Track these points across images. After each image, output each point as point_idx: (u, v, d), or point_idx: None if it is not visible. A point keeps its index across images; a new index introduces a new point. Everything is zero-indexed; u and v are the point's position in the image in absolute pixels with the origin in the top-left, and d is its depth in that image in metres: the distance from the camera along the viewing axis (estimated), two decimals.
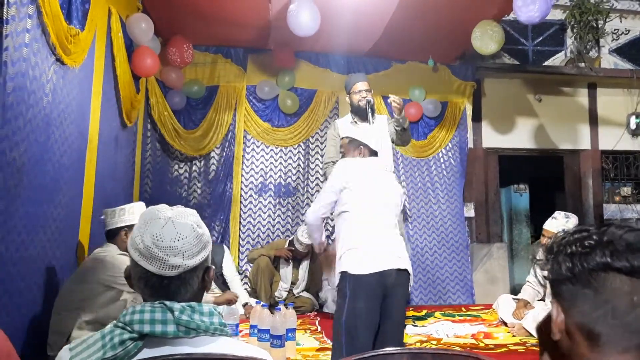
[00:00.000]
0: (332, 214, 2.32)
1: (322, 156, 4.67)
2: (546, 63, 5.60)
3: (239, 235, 4.59)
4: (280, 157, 4.79)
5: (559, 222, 3.33)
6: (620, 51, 5.69)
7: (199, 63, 4.61)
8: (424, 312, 4.13)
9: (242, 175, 4.67)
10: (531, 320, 3.30)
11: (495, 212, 5.34)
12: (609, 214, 5.46)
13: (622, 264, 0.63)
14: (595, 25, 5.30)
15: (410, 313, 3.92)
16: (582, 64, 5.28)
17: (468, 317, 3.97)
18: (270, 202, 4.69)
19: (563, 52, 5.65)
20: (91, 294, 2.24)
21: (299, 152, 4.81)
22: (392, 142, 3.40)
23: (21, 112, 2.03)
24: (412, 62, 4.97)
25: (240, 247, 4.58)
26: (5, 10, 1.89)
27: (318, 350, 2.95)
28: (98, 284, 2.24)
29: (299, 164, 4.80)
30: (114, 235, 2.38)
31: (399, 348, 1.25)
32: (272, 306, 3.42)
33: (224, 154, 4.67)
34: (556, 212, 3.46)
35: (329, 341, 3.11)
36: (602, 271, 0.64)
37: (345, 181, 2.17)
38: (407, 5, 3.75)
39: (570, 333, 0.67)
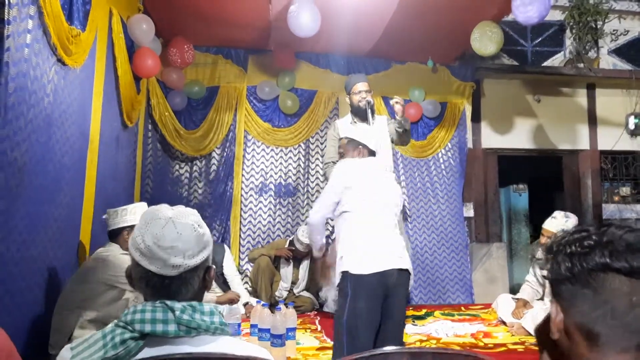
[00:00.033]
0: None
1: (322, 156, 4.68)
2: (545, 64, 5.61)
3: (240, 235, 4.60)
4: (281, 157, 4.80)
5: (559, 222, 3.34)
6: (619, 52, 5.70)
7: (199, 64, 4.62)
8: (423, 311, 4.14)
9: (243, 175, 4.68)
10: (530, 320, 3.31)
11: (494, 212, 5.35)
12: (608, 214, 5.47)
13: (621, 264, 0.63)
14: (594, 26, 5.31)
15: (409, 312, 3.93)
16: (581, 65, 5.29)
17: (467, 317, 3.97)
18: (270, 202, 4.70)
19: (562, 52, 5.66)
20: (94, 293, 2.25)
21: (299, 152, 4.82)
22: (392, 141, 3.41)
23: (22, 112, 2.03)
24: (411, 62, 4.98)
25: (241, 247, 4.59)
26: (6, 10, 1.90)
27: (318, 349, 2.95)
28: (101, 283, 2.25)
29: (299, 164, 4.82)
30: (116, 235, 2.40)
31: (399, 347, 1.26)
32: (273, 305, 3.43)
33: (225, 154, 4.68)
34: (556, 212, 3.46)
35: (329, 340, 3.12)
36: (601, 271, 0.64)
37: (347, 181, 2.17)
38: (407, 6, 3.76)
39: (569, 333, 0.67)
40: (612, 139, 5.49)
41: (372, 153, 2.35)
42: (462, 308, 4.42)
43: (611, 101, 5.53)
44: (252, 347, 0.97)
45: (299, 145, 4.82)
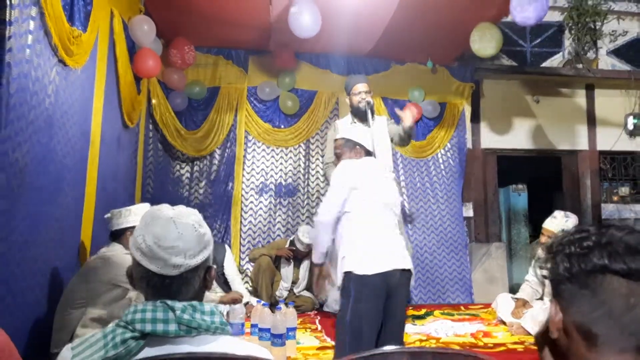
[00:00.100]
0: None
1: (322, 156, 4.69)
2: (544, 64, 5.61)
3: (240, 235, 4.61)
4: (281, 157, 4.81)
5: (559, 222, 3.35)
6: (617, 52, 5.71)
7: (200, 64, 4.63)
8: (423, 311, 4.14)
9: (243, 176, 4.70)
10: (530, 319, 3.32)
11: (494, 212, 5.36)
12: (607, 214, 5.48)
13: (619, 266, 0.63)
14: (593, 26, 5.32)
15: (409, 312, 3.94)
16: (580, 65, 5.29)
17: (467, 316, 3.98)
18: (270, 202, 4.72)
19: (561, 53, 5.67)
20: (97, 292, 2.26)
21: (299, 152, 4.84)
22: (392, 141, 3.42)
23: (24, 113, 2.03)
24: (411, 63, 4.99)
25: (241, 247, 4.60)
26: (8, 12, 1.91)
27: (318, 349, 2.96)
28: (104, 282, 2.26)
29: (299, 165, 4.83)
30: (119, 236, 2.41)
31: (399, 347, 1.27)
32: (273, 305, 3.43)
33: (225, 154, 4.69)
34: (556, 212, 3.47)
35: (329, 340, 3.13)
36: (599, 273, 0.64)
37: (351, 182, 2.17)
38: (407, 6, 3.77)
39: (568, 332, 0.67)
40: (611, 140, 5.50)
41: (368, 153, 2.35)
42: (462, 308, 4.43)
43: (610, 102, 5.54)
44: (252, 346, 0.97)
45: (299, 146, 4.83)
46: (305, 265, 4.26)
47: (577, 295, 0.66)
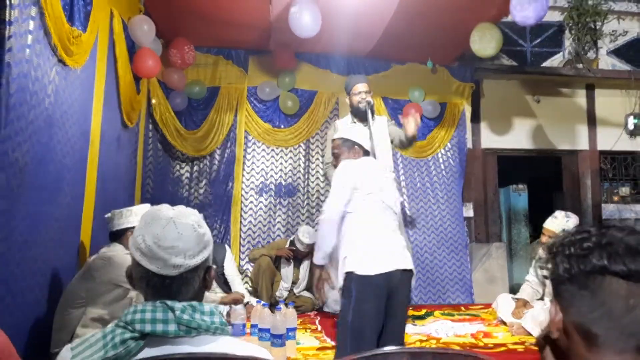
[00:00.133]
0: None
1: (322, 157, 4.69)
2: (544, 64, 5.61)
3: (240, 235, 4.61)
4: (281, 157, 4.81)
5: (560, 221, 3.35)
6: (618, 52, 5.71)
7: (200, 64, 4.63)
8: (423, 311, 4.14)
9: (243, 176, 4.69)
10: (530, 320, 3.32)
11: (494, 212, 5.36)
12: (607, 214, 5.48)
13: (619, 267, 0.63)
14: (593, 26, 5.32)
15: (409, 312, 3.93)
16: (580, 65, 5.29)
17: (467, 317, 3.98)
18: (270, 202, 4.71)
19: (561, 53, 5.67)
20: (98, 292, 2.26)
21: (299, 152, 4.83)
22: (392, 142, 3.41)
23: (23, 113, 2.03)
24: (411, 63, 4.99)
25: (241, 247, 4.60)
26: (8, 12, 1.90)
27: (318, 349, 2.96)
28: (105, 282, 2.27)
29: (299, 165, 4.83)
30: (120, 236, 2.41)
31: (399, 347, 1.27)
32: (273, 305, 3.43)
33: (225, 154, 4.69)
34: (557, 211, 3.47)
35: (329, 340, 3.13)
36: (599, 274, 0.65)
37: (354, 181, 2.16)
38: (407, 7, 3.77)
39: (568, 332, 0.68)
40: (611, 139, 5.50)
41: (366, 153, 2.34)
42: (462, 308, 4.43)
43: (610, 101, 5.54)
44: (252, 347, 0.97)
45: (299, 146, 4.83)
46: (305, 265, 4.25)
47: (576, 296, 0.66)
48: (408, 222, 4.70)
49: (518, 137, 5.39)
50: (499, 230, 5.62)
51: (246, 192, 4.69)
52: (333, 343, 3.01)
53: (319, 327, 3.55)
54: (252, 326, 2.87)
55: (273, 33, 4.32)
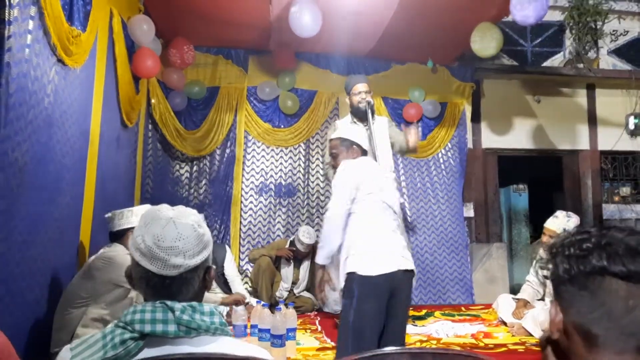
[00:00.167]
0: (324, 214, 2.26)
1: (322, 157, 4.69)
2: (545, 64, 5.61)
3: (240, 235, 4.61)
4: (281, 157, 4.81)
5: (560, 221, 3.34)
6: (618, 52, 5.70)
7: (200, 64, 4.63)
8: (423, 311, 4.14)
9: (243, 176, 4.69)
10: (531, 320, 3.31)
11: (494, 212, 5.35)
12: (608, 214, 5.48)
13: (618, 268, 0.63)
14: (593, 26, 5.32)
15: (410, 313, 3.93)
16: (581, 65, 5.29)
17: (468, 317, 3.98)
18: (270, 202, 4.71)
19: (562, 53, 5.66)
20: (98, 292, 2.26)
21: (299, 152, 4.83)
22: (392, 146, 3.40)
23: (23, 113, 2.03)
24: (411, 63, 4.99)
25: (241, 247, 4.59)
26: (7, 11, 1.90)
27: (318, 349, 2.96)
28: (106, 282, 2.27)
29: (299, 165, 4.82)
30: (120, 236, 2.41)
31: (399, 348, 1.26)
32: (273, 306, 3.43)
33: (225, 154, 4.69)
34: (558, 211, 3.47)
35: (329, 341, 3.13)
36: (598, 275, 0.65)
37: (356, 181, 2.15)
38: (407, 6, 3.76)
39: (568, 333, 0.68)
40: (612, 139, 5.49)
41: (364, 152, 2.33)
42: (463, 308, 4.43)
43: (611, 101, 5.54)
44: (252, 347, 0.97)
45: (299, 146, 4.83)
46: (305, 265, 4.25)
47: (576, 297, 0.66)
48: (410, 228, 4.67)
49: (518, 137, 5.39)
50: (500, 231, 5.61)
51: (246, 192, 4.69)
52: (333, 343, 3.00)
53: (319, 328, 3.55)
54: (252, 326, 2.87)
55: (273, 33, 4.31)
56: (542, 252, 3.58)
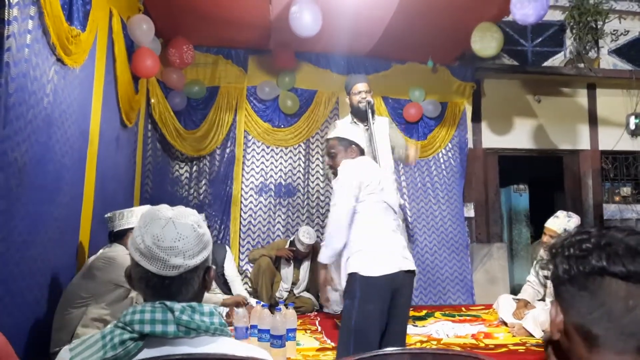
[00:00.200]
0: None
1: (322, 156, 4.68)
2: (545, 64, 5.60)
3: (239, 236, 4.60)
4: (281, 157, 4.80)
5: (561, 221, 3.34)
6: (619, 52, 5.70)
7: (200, 64, 4.62)
8: (424, 312, 4.13)
9: (243, 176, 4.68)
10: (531, 321, 3.31)
11: (495, 212, 5.35)
12: (608, 214, 5.47)
13: (618, 268, 0.63)
14: (594, 26, 5.31)
15: (410, 313, 3.92)
16: (582, 65, 5.28)
17: (468, 317, 3.97)
18: (270, 202, 4.70)
19: (562, 52, 5.66)
20: (99, 292, 2.27)
21: (299, 152, 4.82)
22: (391, 149, 3.40)
23: (22, 112, 2.03)
24: (411, 62, 4.98)
25: (241, 247, 4.59)
26: (7, 11, 1.90)
27: (318, 350, 2.95)
28: (107, 283, 2.27)
29: (299, 164, 4.81)
30: (121, 237, 2.41)
31: (399, 348, 1.26)
32: (273, 306, 3.42)
33: (225, 154, 4.68)
34: (559, 211, 3.47)
35: (329, 341, 3.12)
36: (598, 275, 0.65)
37: (359, 181, 2.13)
38: (407, 6, 3.76)
39: (568, 333, 0.68)
40: (612, 139, 5.49)
41: (362, 152, 2.31)
42: (463, 309, 4.42)
43: (612, 101, 5.53)
44: (251, 348, 0.97)
45: (299, 145, 4.82)
46: (305, 266, 4.24)
47: (576, 297, 0.66)
48: (410, 234, 4.64)
49: (519, 137, 5.38)
50: (500, 231, 5.61)
51: (246, 192, 4.68)
52: (333, 344, 3.00)
53: (319, 328, 3.54)
54: (252, 327, 2.86)
55: (273, 32, 4.31)
56: (542, 253, 3.58)
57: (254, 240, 4.63)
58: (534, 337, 3.24)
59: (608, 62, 5.62)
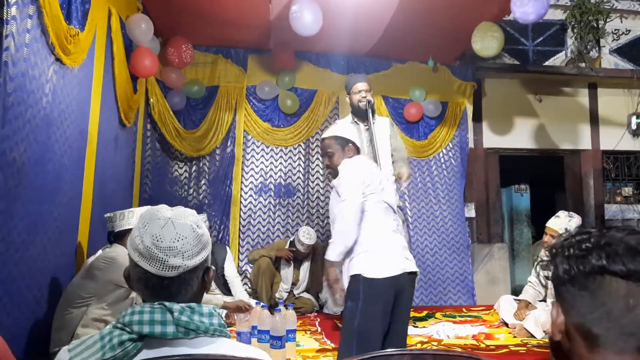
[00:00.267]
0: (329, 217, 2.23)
1: (322, 156, 4.66)
2: (547, 63, 5.60)
3: (239, 236, 4.59)
4: (281, 157, 4.79)
5: (562, 221, 3.33)
6: (620, 51, 5.69)
7: (199, 63, 4.61)
8: (424, 313, 4.12)
9: (242, 176, 4.67)
10: (532, 321, 3.30)
11: (496, 212, 5.34)
12: (610, 214, 5.46)
13: (618, 267, 0.63)
14: (595, 25, 5.30)
15: (411, 314, 3.91)
16: (583, 64, 5.28)
17: (469, 318, 3.96)
18: (270, 202, 4.69)
19: (563, 52, 5.65)
20: (99, 292, 2.26)
21: (299, 152, 4.81)
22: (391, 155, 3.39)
23: (21, 112, 2.02)
24: (412, 62, 4.97)
25: (240, 248, 4.57)
26: (5, 10, 1.89)
27: (318, 351, 2.94)
28: (107, 283, 2.27)
29: (299, 164, 4.80)
30: (121, 237, 2.40)
31: (400, 349, 1.25)
32: (272, 307, 3.41)
33: (224, 154, 4.67)
34: (560, 211, 3.46)
35: (329, 342, 3.11)
36: (598, 274, 0.65)
37: (363, 178, 2.10)
38: (407, 5, 3.75)
39: (569, 334, 0.68)
40: (614, 139, 5.48)
41: (359, 150, 2.29)
42: (464, 309, 4.41)
43: (613, 101, 5.52)
44: (251, 348, 0.96)
45: (299, 145, 4.81)
46: (305, 266, 4.23)
47: (577, 297, 0.66)
48: (409, 242, 4.62)
49: (520, 137, 5.37)
50: (501, 231, 5.60)
51: (245, 192, 4.67)
52: (333, 345, 2.99)
53: (319, 329, 3.53)
54: (252, 328, 2.85)
55: (273, 32, 4.30)
56: (543, 253, 3.57)
57: (254, 240, 4.62)
58: (535, 337, 3.23)
59: (609, 61, 5.61)
